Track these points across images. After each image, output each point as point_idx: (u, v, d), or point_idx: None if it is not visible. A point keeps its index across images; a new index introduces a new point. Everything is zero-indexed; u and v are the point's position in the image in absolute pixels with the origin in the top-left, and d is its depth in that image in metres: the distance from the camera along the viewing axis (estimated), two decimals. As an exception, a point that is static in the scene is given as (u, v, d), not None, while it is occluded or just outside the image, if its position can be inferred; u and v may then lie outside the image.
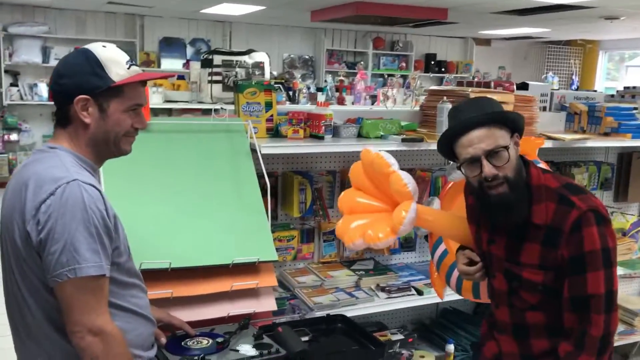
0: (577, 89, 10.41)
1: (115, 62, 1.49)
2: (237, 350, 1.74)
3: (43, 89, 8.59)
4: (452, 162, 1.92)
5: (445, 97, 3.02)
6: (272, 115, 2.85)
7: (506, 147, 1.61)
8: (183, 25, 9.64)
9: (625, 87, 6.92)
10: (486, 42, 11.99)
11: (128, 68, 1.51)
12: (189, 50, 9.75)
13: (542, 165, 2.34)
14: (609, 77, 12.47)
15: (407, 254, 3.38)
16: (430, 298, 2.96)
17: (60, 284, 1.36)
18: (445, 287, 2.43)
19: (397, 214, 1.81)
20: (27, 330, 1.48)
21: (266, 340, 1.82)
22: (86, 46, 1.53)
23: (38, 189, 1.39)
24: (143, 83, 1.58)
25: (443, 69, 11.32)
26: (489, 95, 2.92)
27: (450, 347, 3.13)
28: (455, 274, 2.15)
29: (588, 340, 1.60)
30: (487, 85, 3.48)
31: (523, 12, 7.71)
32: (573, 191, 1.65)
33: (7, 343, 1.67)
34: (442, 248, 2.33)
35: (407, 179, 1.83)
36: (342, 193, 2.08)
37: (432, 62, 11.34)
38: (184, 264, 2.12)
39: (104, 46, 1.53)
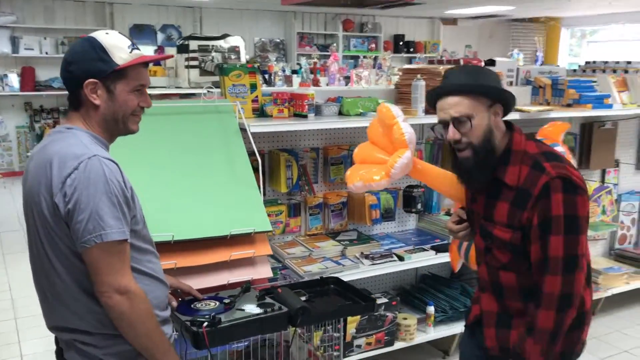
0: (541, 65, 10.74)
1: (118, 47, 1.62)
2: (243, 310, 1.91)
3: (14, 80, 8.53)
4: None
5: (419, 75, 3.20)
6: (257, 96, 3.00)
7: (469, 117, 1.73)
8: (153, 11, 9.63)
9: (586, 62, 7.23)
10: (453, 21, 12.22)
11: (130, 52, 1.64)
12: (160, 37, 9.76)
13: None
14: (571, 53, 12.83)
15: (388, 223, 3.58)
16: (411, 263, 3.17)
17: (88, 249, 1.50)
18: (459, 259, 2.52)
19: (391, 159, 2.01)
20: (56, 295, 1.62)
21: (268, 300, 1.99)
22: (90, 34, 1.66)
23: (62, 164, 1.53)
24: (145, 65, 1.71)
25: (411, 49, 11.52)
26: (460, 72, 3.13)
27: (431, 309, 3.35)
28: (465, 245, 2.27)
29: (545, 297, 1.69)
30: (456, 62, 3.68)
31: (488, -9, 7.94)
32: (548, 158, 1.73)
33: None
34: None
35: (406, 129, 2.02)
36: (358, 146, 2.28)
37: (401, 43, 11.54)
38: (186, 236, 2.27)
39: (107, 33, 1.65)
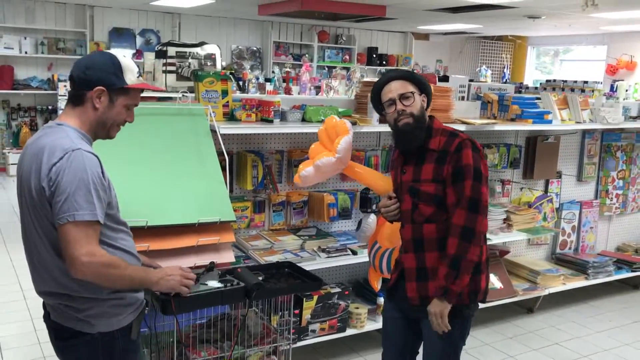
0: (506, 82, 11.24)
1: (130, 70, 1.96)
2: (206, 284, 2.21)
3: (-6, 77, 8.69)
4: (358, 229, 2.93)
5: (375, 87, 3.55)
6: (227, 102, 3.31)
7: (412, 93, 2.32)
8: (133, 16, 9.88)
9: (547, 80, 7.71)
10: (425, 36, 12.69)
11: (137, 77, 2.00)
12: (139, 41, 10.00)
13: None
14: (545, 71, 13.38)
15: (345, 222, 3.92)
16: (363, 257, 3.50)
17: (61, 225, 1.78)
18: (379, 278, 3.10)
19: (336, 140, 2.62)
20: (42, 263, 1.90)
21: (229, 277, 2.29)
22: (111, 51, 2.01)
23: (51, 154, 1.82)
24: (142, 90, 2.06)
25: (384, 62, 11.94)
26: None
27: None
28: (385, 259, 2.84)
29: (452, 228, 2.23)
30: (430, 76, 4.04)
31: (455, 10, 8.38)
32: (460, 131, 2.36)
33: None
34: (376, 246, 2.91)
35: (348, 123, 2.69)
36: (312, 145, 2.84)
37: (374, 55, 11.95)
38: (158, 222, 2.57)
39: (124, 56, 2.00)
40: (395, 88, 2.33)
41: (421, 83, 2.38)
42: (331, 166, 2.61)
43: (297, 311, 3.33)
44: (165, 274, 2.07)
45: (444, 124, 2.42)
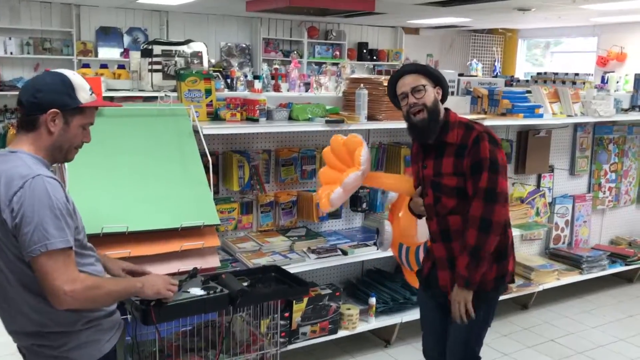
0: (497, 75, 11.19)
1: (82, 88, 1.87)
2: (188, 292, 2.14)
3: (-22, 79, 8.55)
4: (379, 240, 2.96)
5: (362, 85, 3.48)
6: (211, 101, 3.23)
7: (424, 85, 2.37)
8: (120, 14, 9.74)
9: (538, 73, 7.66)
10: (415, 31, 12.61)
11: (90, 95, 1.89)
12: (126, 39, 9.86)
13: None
14: (536, 63, 13.33)
15: (335, 221, 3.85)
16: (354, 257, 3.44)
17: (34, 257, 1.68)
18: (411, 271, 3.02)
19: (343, 176, 2.67)
20: (9, 301, 1.80)
21: (212, 284, 2.22)
22: (59, 71, 1.88)
23: (9, 184, 1.72)
24: (96, 108, 1.96)
25: (375, 57, 11.85)
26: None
27: (372, 300, 3.62)
28: (404, 251, 2.91)
29: (471, 219, 2.30)
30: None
31: (445, 4, 8.29)
32: (475, 122, 2.42)
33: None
34: (404, 248, 2.93)
35: (365, 155, 2.65)
36: (321, 169, 2.91)
37: (365, 51, 11.85)
38: (140, 227, 2.49)
39: (74, 74, 1.90)
40: (408, 82, 2.39)
41: (434, 76, 2.42)
42: (358, 181, 2.66)
43: (287, 314, 3.26)
44: (149, 279, 2.00)
45: (459, 116, 2.46)
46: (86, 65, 6.57)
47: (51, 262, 1.68)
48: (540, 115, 4.10)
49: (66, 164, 2.52)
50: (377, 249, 3.47)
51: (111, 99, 6.05)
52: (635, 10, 8.74)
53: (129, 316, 2.21)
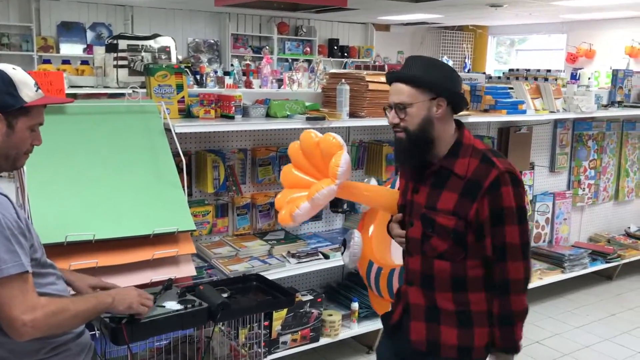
0: (469, 72, 11.17)
1: (26, 85, 1.62)
2: (164, 306, 1.94)
3: None
4: (345, 252, 2.40)
5: (343, 80, 3.31)
6: (183, 97, 3.02)
7: (405, 105, 1.85)
8: (82, 9, 9.38)
9: (509, 70, 7.61)
10: (385, 27, 12.52)
11: (36, 91, 1.65)
12: (90, 35, 9.51)
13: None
14: (501, 60, 13.38)
15: (315, 223, 3.68)
16: (336, 261, 3.27)
17: None
18: (388, 304, 2.43)
19: (313, 188, 2.09)
20: None
21: (189, 297, 2.02)
22: None
23: None
24: (45, 105, 1.71)
25: (346, 54, 11.71)
26: (382, 78, 3.26)
27: (355, 305, 3.46)
28: (396, 281, 2.31)
29: (513, 284, 1.83)
30: (381, 68, 3.82)
31: (417, 0, 8.20)
32: (495, 154, 1.88)
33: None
34: (374, 268, 2.43)
35: (344, 164, 2.07)
36: (284, 168, 2.33)
37: (335, 47, 11.71)
38: (108, 235, 2.27)
39: (14, 68, 1.64)
40: (394, 92, 1.90)
41: (434, 85, 1.85)
42: (331, 197, 2.11)
43: (267, 323, 3.08)
44: (120, 292, 1.80)
45: (474, 138, 1.94)
46: (47, 61, 6.27)
47: (5, 290, 1.47)
48: (524, 112, 4.00)
49: (25, 167, 2.30)
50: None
51: (74, 96, 5.78)
52: (604, 8, 8.79)
53: (97, 332, 2.00)
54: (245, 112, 3.12)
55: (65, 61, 6.05)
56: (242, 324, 2.60)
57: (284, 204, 2.18)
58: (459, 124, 1.95)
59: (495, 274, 1.87)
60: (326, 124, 3.14)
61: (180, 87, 3.02)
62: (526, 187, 4.55)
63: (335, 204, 3.57)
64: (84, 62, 5.95)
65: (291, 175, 2.28)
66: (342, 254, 2.47)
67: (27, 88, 1.62)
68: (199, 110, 2.99)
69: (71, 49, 9.21)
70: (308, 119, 3.10)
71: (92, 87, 5.80)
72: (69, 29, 9.34)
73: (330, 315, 3.38)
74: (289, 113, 3.19)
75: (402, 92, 1.86)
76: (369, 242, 2.45)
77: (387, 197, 2.22)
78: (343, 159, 2.05)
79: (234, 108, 3.03)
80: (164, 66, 3.02)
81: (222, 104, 3.07)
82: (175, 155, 2.65)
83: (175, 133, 2.70)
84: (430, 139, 1.88)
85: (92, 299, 1.68)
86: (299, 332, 3.23)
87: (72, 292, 1.87)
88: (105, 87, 5.89)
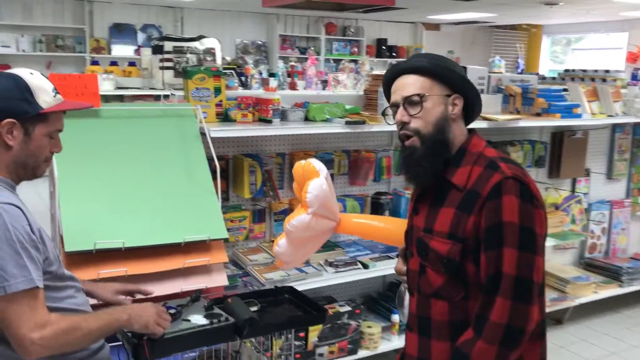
0: (521, 72, 10.80)
1: (43, 90, 1.57)
2: (189, 320, 1.86)
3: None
4: (400, 305, 1.96)
5: (386, 81, 3.17)
6: (221, 100, 2.96)
7: (421, 97, 1.52)
8: (133, 11, 9.54)
9: (565, 70, 7.28)
10: (435, 26, 12.25)
11: (54, 96, 1.60)
12: (140, 37, 9.67)
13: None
14: (556, 60, 12.91)
15: (355, 231, 3.55)
16: (376, 271, 3.14)
17: None
18: None
19: (287, 220, 1.91)
20: None
21: (216, 310, 1.94)
22: (13, 71, 1.59)
23: None
24: (64, 111, 1.66)
25: (394, 54, 11.53)
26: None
27: (396, 317, 3.32)
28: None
29: (488, 325, 1.41)
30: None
31: (468, -2, 7.97)
32: (506, 160, 1.52)
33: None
34: None
35: (313, 189, 1.84)
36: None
37: (384, 47, 11.54)
38: (137, 243, 2.22)
39: (31, 73, 1.60)
40: (402, 86, 1.57)
41: (451, 77, 1.55)
42: (308, 228, 1.86)
43: (302, 334, 2.98)
44: (137, 309, 1.73)
45: (487, 146, 1.59)
46: (96, 63, 6.38)
47: (13, 306, 1.41)
48: (579, 116, 3.77)
49: (56, 172, 2.27)
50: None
51: (121, 97, 5.85)
52: (669, 4, 8.32)
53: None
54: (283, 115, 3.03)
55: (113, 63, 6.12)
56: (276, 334, 2.52)
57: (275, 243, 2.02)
58: (470, 131, 1.64)
59: (477, 306, 1.46)
60: (366, 128, 3.02)
61: (218, 90, 2.96)
62: (580, 195, 4.31)
63: (376, 211, 3.45)
64: (132, 64, 6.02)
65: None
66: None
67: (45, 94, 1.57)
68: (236, 114, 2.92)
69: (122, 50, 9.37)
70: (347, 123, 2.98)
71: (139, 88, 5.86)
72: (121, 31, 9.51)
73: (370, 327, 3.26)
74: (328, 117, 3.08)
75: (413, 83, 1.55)
76: None
77: (397, 227, 1.88)
78: (312, 184, 1.83)
79: (271, 112, 2.94)
80: (201, 69, 2.96)
81: (260, 107, 2.99)
82: (211, 159, 2.59)
83: (211, 137, 2.63)
84: (448, 143, 1.56)
85: (106, 316, 1.62)
86: (336, 344, 3.12)
87: (92, 302, 1.81)
88: (151, 88, 5.94)
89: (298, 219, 1.85)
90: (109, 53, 9.21)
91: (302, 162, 1.97)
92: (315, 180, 1.84)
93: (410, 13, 10.07)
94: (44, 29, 8.90)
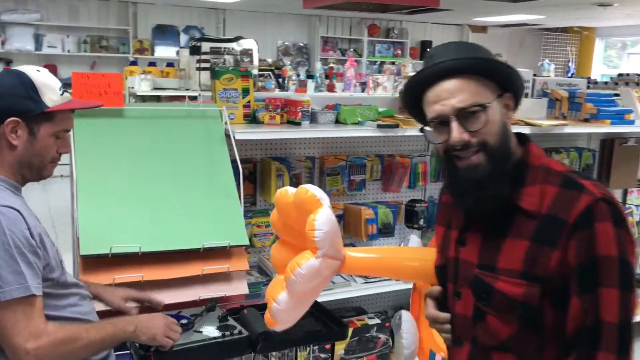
0: (572, 76, 10.41)
1: (50, 88, 1.51)
2: (201, 332, 1.78)
3: (36, 77, 8.60)
4: (394, 344, 1.59)
5: (422, 83, 3.02)
6: (249, 102, 2.86)
7: (484, 106, 1.23)
8: (176, 12, 9.63)
9: (619, 75, 6.92)
10: (482, 29, 11.95)
11: (61, 94, 1.54)
12: (183, 38, 9.74)
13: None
14: (610, 65, 12.42)
15: (387, 239, 3.40)
16: (408, 283, 2.99)
17: None
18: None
19: (288, 267, 1.40)
20: None
21: (231, 322, 1.85)
22: (19, 68, 1.54)
23: None
24: (72, 110, 1.60)
25: (438, 57, 11.29)
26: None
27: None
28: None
29: None
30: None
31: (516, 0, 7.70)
32: (583, 176, 1.26)
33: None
34: (436, 358, 1.99)
35: (321, 226, 1.37)
36: (273, 246, 1.65)
37: (428, 50, 11.31)
38: (155, 248, 2.14)
39: (38, 70, 1.54)
40: (448, 93, 1.24)
41: (500, 71, 1.28)
42: (318, 275, 1.40)
43: (328, 346, 2.86)
44: (144, 320, 1.64)
45: (547, 156, 1.33)
46: (134, 63, 6.41)
47: (8, 314, 1.35)
48: (631, 122, 3.52)
49: (75, 172, 2.22)
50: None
51: (158, 98, 5.86)
52: None
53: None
54: (313, 117, 2.92)
55: (152, 63, 6.14)
56: (301, 347, 2.41)
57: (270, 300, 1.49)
58: (522, 138, 1.34)
59: None
60: (400, 132, 2.88)
61: (246, 91, 2.87)
62: (632, 207, 4.05)
63: (410, 219, 3.30)
64: (170, 65, 6.03)
65: (279, 252, 1.60)
66: (392, 346, 2.00)
67: (51, 92, 1.51)
68: (264, 115, 2.83)
69: (165, 51, 9.46)
70: (379, 126, 2.85)
71: (175, 89, 5.86)
72: (163, 32, 9.61)
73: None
74: (359, 119, 2.96)
75: (464, 89, 1.23)
76: (425, 325, 1.93)
77: (420, 257, 1.56)
78: (320, 218, 1.37)
79: (300, 114, 2.84)
80: (229, 69, 2.88)
81: (289, 109, 2.88)
82: (239, 162, 2.50)
83: (236, 140, 2.54)
84: (511, 156, 1.28)
85: (110, 327, 1.54)
86: (364, 358, 2.98)
87: (99, 308, 1.74)
88: (187, 89, 5.93)
89: (306, 265, 1.37)
90: (152, 54, 9.31)
91: (289, 188, 1.54)
92: (322, 212, 1.39)
93: (455, 15, 9.84)
94: (89, 29, 9.07)
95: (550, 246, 1.19)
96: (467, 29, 11.68)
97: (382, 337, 3.01)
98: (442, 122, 1.26)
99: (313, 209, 1.40)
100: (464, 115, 1.24)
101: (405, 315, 1.90)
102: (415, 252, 1.71)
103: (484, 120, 1.23)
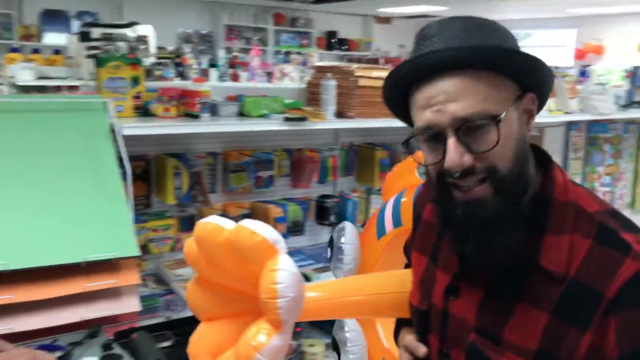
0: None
1: None
2: (80, 364, 1.51)
3: None
4: (333, 256, 1.31)
5: (329, 74, 2.86)
6: (139, 92, 2.57)
7: (497, 118, 0.86)
8: (67, -4, 8.93)
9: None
10: (386, 20, 12.05)
11: None
12: (75, 24, 9.05)
13: None
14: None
15: (297, 238, 3.22)
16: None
17: None
18: None
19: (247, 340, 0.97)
20: None
21: (116, 350, 1.59)
22: None
23: None
24: None
25: (345, 47, 11.27)
26: (374, 72, 2.81)
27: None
28: None
29: None
30: (374, 61, 3.36)
31: (419, -10, 7.75)
32: (625, 224, 0.89)
33: None
34: None
35: (284, 289, 0.92)
36: (196, 331, 1.22)
37: (334, 40, 11.27)
38: (24, 264, 1.83)
39: None
40: (446, 95, 0.87)
41: (529, 69, 0.90)
42: (283, 350, 0.97)
43: None
44: (5, 357, 1.35)
45: (573, 183, 0.96)
46: (15, 50, 5.82)
47: None
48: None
49: None
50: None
51: (42, 88, 5.33)
52: (616, 1, 8.33)
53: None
54: (213, 110, 2.67)
55: (35, 50, 5.59)
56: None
57: None
58: (541, 157, 0.97)
59: None
60: (308, 125, 2.69)
61: (136, 81, 2.57)
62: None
63: (322, 215, 3.15)
64: (56, 52, 5.51)
65: (200, 301, 1.20)
66: (330, 257, 1.67)
67: None
68: (156, 107, 2.54)
69: (55, 38, 8.74)
70: (286, 119, 2.65)
71: (63, 78, 5.37)
72: (53, 18, 8.89)
73: (312, 345, 2.94)
74: (265, 112, 2.74)
75: (469, 91, 0.86)
76: (375, 332, 1.71)
77: (394, 295, 1.20)
78: (283, 279, 0.92)
79: (199, 106, 2.58)
80: (116, 56, 2.57)
81: (186, 100, 2.62)
82: (131, 160, 2.21)
83: (124, 135, 2.25)
84: (528, 184, 0.92)
85: None
86: None
87: None
88: (78, 78, 5.46)
89: (269, 349, 0.94)
90: (40, 41, 8.59)
91: (221, 222, 1.01)
92: (284, 268, 0.93)
93: (360, 6, 9.82)
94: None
95: (578, 326, 0.86)
96: (372, 19, 11.74)
97: (294, 343, 2.83)
98: (435, 136, 0.89)
99: (265, 260, 0.94)
100: (467, 129, 0.86)
101: (348, 224, 1.70)
102: (389, 279, 1.26)
103: (495, 137, 0.86)
